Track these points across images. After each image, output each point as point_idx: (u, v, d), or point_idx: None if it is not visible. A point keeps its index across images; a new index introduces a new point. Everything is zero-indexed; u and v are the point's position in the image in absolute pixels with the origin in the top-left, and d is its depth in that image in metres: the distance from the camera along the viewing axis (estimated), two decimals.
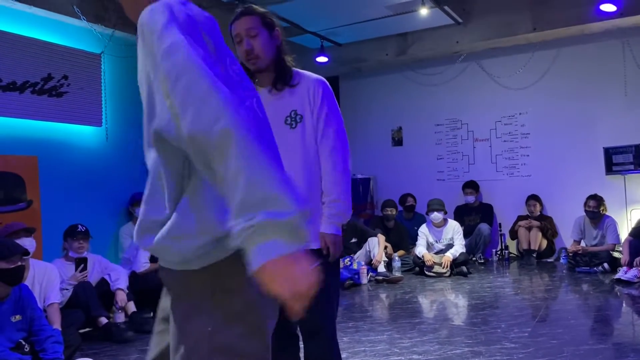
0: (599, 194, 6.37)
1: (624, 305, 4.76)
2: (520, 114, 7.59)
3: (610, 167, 6.85)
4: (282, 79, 2.03)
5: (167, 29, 1.10)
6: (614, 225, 6.26)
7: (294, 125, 2.01)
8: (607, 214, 6.37)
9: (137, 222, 1.24)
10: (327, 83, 2.11)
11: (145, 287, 4.72)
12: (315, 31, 7.21)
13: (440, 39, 7.37)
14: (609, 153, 6.85)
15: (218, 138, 0.98)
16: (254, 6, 2.08)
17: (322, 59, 7.43)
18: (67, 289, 4.11)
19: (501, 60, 7.60)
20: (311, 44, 7.54)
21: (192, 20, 1.14)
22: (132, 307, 4.36)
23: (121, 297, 4.30)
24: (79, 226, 4.35)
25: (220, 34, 1.22)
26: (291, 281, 0.95)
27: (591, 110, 7.09)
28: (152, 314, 4.78)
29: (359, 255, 6.30)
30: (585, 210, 6.34)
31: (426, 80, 8.11)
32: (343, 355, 3.39)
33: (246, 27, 2.01)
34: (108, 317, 4.16)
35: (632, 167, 6.73)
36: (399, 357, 3.31)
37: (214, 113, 0.99)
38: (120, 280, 4.38)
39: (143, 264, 4.83)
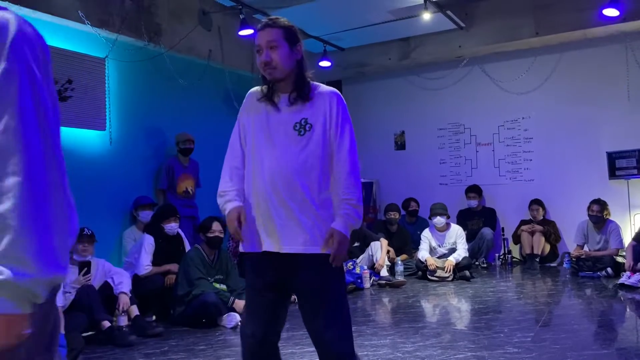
0: (602, 198, 6.36)
1: (627, 310, 4.75)
2: (523, 118, 7.59)
3: (614, 172, 6.85)
4: (300, 93, 2.11)
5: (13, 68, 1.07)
6: (617, 229, 6.24)
7: (302, 133, 2.08)
8: (610, 218, 6.36)
9: None
10: (341, 95, 2.17)
11: (147, 291, 4.74)
12: (318, 36, 7.24)
13: (443, 43, 7.39)
14: (612, 157, 6.85)
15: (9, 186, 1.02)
16: (281, 19, 2.14)
17: (325, 64, 7.45)
18: (69, 293, 4.11)
19: (504, 65, 7.61)
20: (314, 49, 7.57)
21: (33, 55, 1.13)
22: (135, 310, 4.36)
23: (124, 300, 4.30)
24: (85, 229, 4.36)
25: (49, 57, 1.21)
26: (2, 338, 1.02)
27: (594, 115, 7.09)
28: (154, 317, 4.79)
29: (362, 259, 6.30)
30: (589, 215, 6.32)
31: (429, 84, 8.12)
32: None
33: (268, 39, 2.07)
34: (111, 321, 4.16)
35: (635, 171, 6.72)
36: None
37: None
38: (123, 284, 4.38)
39: (145, 267, 4.84)
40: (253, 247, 2.10)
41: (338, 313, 2.05)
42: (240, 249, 2.17)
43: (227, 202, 2.11)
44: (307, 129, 2.07)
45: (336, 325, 2.04)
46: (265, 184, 2.07)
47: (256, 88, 2.23)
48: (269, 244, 2.06)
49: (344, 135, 2.10)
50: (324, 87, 2.17)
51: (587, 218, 6.38)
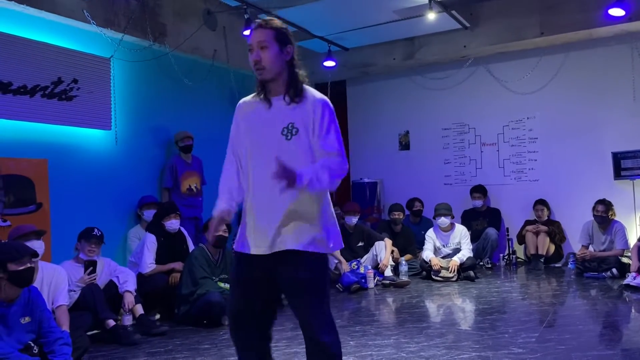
0: (608, 198, 6.33)
1: (632, 311, 4.72)
2: (527, 118, 7.58)
3: (619, 172, 6.82)
4: (291, 93, 2.16)
5: None
6: (622, 230, 6.22)
7: (289, 137, 2.13)
8: (615, 219, 6.33)
9: None
10: (329, 103, 2.20)
11: (151, 290, 4.75)
12: (323, 36, 7.24)
13: (448, 43, 7.38)
14: (618, 158, 6.82)
15: None
16: (273, 20, 2.21)
17: (329, 64, 7.45)
18: (74, 291, 4.13)
19: (509, 65, 7.59)
20: (319, 49, 7.57)
21: None
22: (139, 309, 4.38)
23: (129, 299, 4.32)
24: (95, 230, 4.36)
25: None
26: None
27: (599, 115, 7.06)
28: (158, 316, 4.81)
29: (366, 259, 6.30)
30: (594, 215, 6.30)
31: (433, 84, 8.11)
32: None
33: (258, 39, 2.15)
34: (116, 320, 4.18)
35: None
36: None
37: None
38: (128, 283, 4.40)
39: (148, 265, 4.85)
40: (244, 248, 2.21)
41: (319, 305, 2.16)
42: (235, 247, 2.29)
43: (217, 204, 2.29)
44: (294, 132, 2.13)
45: (320, 316, 2.15)
46: (255, 188, 2.18)
47: (244, 99, 2.31)
48: (258, 247, 2.17)
49: (330, 134, 2.12)
50: (314, 93, 2.20)
51: (592, 218, 6.36)
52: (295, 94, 2.16)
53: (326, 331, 2.15)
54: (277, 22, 2.20)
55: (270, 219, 2.14)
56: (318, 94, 2.20)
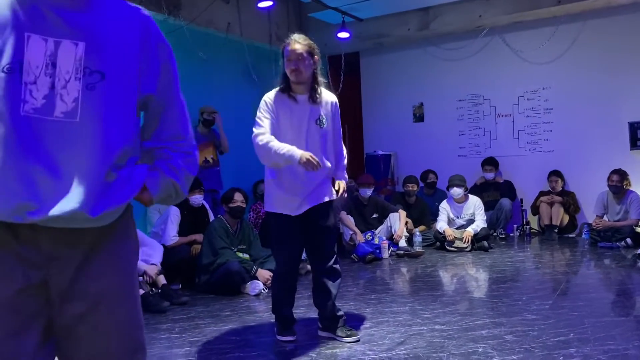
0: (623, 169, 6.32)
1: None
2: (543, 88, 7.52)
3: (635, 142, 6.79)
4: (315, 92, 3.10)
5: None
6: (637, 200, 6.21)
7: (322, 125, 3.12)
8: (630, 189, 6.33)
9: None
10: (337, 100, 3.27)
11: (174, 260, 4.87)
12: (337, 6, 7.19)
13: (463, 13, 7.30)
14: (634, 128, 6.78)
15: None
16: (306, 39, 3.09)
17: (343, 35, 7.41)
18: None
19: (525, 34, 7.50)
20: (332, 20, 7.53)
21: None
22: (162, 279, 4.50)
23: (152, 271, 4.41)
24: None
25: None
26: None
27: (616, 85, 6.99)
28: (180, 286, 4.94)
29: (380, 230, 6.38)
30: (609, 185, 6.30)
31: (448, 55, 8.05)
32: (366, 325, 3.51)
33: (296, 52, 3.03)
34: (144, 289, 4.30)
35: None
36: (422, 327, 3.40)
37: None
38: (154, 256, 4.49)
39: (172, 238, 4.96)
40: (285, 210, 3.13)
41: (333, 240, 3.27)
42: (274, 210, 3.15)
43: (293, 148, 2.96)
44: (324, 122, 3.12)
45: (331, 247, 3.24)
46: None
47: (272, 95, 3.11)
48: (299, 208, 3.11)
49: (339, 131, 3.26)
50: (329, 94, 3.18)
51: (607, 189, 6.36)
52: (319, 94, 3.09)
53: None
54: (308, 41, 3.08)
55: (307, 184, 3.10)
56: (331, 95, 3.18)
